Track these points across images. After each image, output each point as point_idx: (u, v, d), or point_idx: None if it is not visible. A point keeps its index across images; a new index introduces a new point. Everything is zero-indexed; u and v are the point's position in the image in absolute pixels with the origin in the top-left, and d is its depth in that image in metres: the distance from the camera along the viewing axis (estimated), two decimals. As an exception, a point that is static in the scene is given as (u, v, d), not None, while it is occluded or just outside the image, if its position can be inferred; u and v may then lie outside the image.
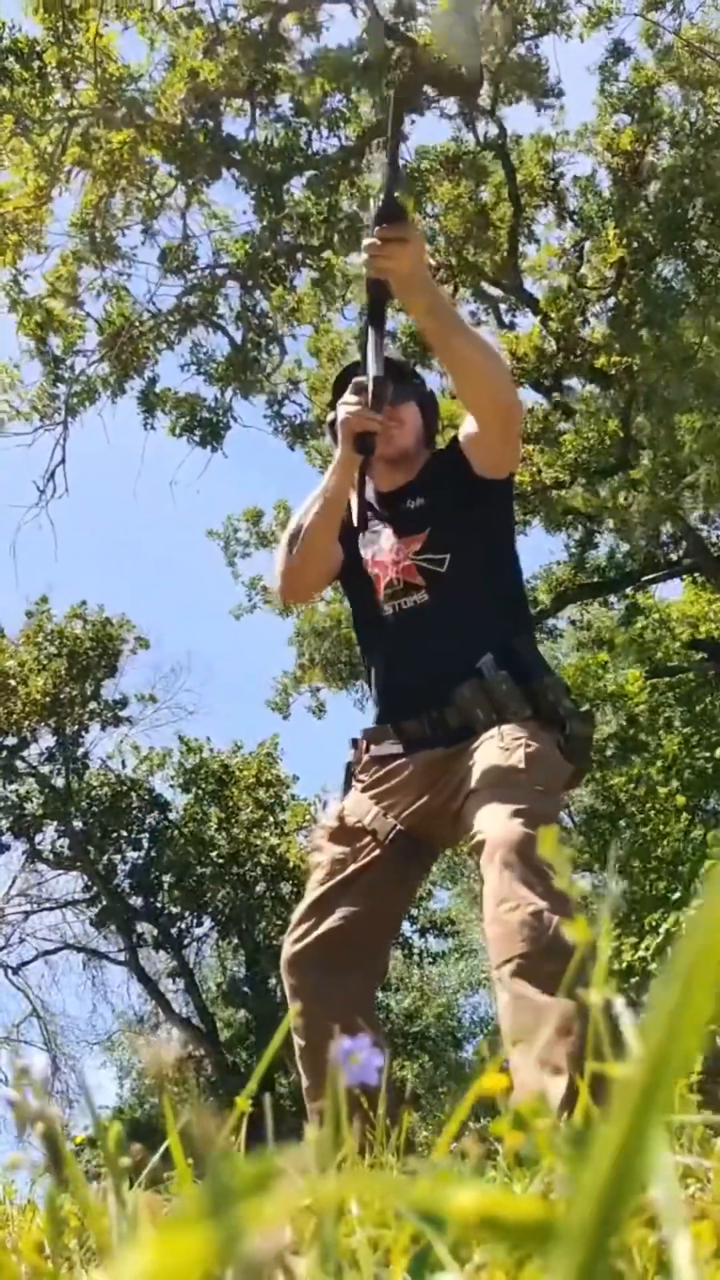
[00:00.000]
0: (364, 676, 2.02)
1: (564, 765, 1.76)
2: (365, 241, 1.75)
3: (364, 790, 1.86)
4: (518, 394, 1.98)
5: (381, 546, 1.96)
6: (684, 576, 10.75)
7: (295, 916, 1.80)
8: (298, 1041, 1.71)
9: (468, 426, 1.92)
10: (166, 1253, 0.20)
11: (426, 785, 1.80)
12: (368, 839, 1.81)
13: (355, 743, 1.94)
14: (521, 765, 1.66)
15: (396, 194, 1.79)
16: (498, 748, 1.69)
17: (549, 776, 1.70)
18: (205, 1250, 0.21)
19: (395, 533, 1.95)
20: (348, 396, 1.89)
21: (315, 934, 1.75)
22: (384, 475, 1.99)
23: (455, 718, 1.78)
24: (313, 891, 1.80)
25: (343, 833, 1.83)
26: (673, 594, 11.78)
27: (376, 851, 1.80)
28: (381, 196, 1.77)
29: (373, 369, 1.85)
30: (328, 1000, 1.66)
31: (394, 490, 2.00)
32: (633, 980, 6.91)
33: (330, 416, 2.00)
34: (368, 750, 1.90)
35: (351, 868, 1.79)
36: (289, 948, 1.77)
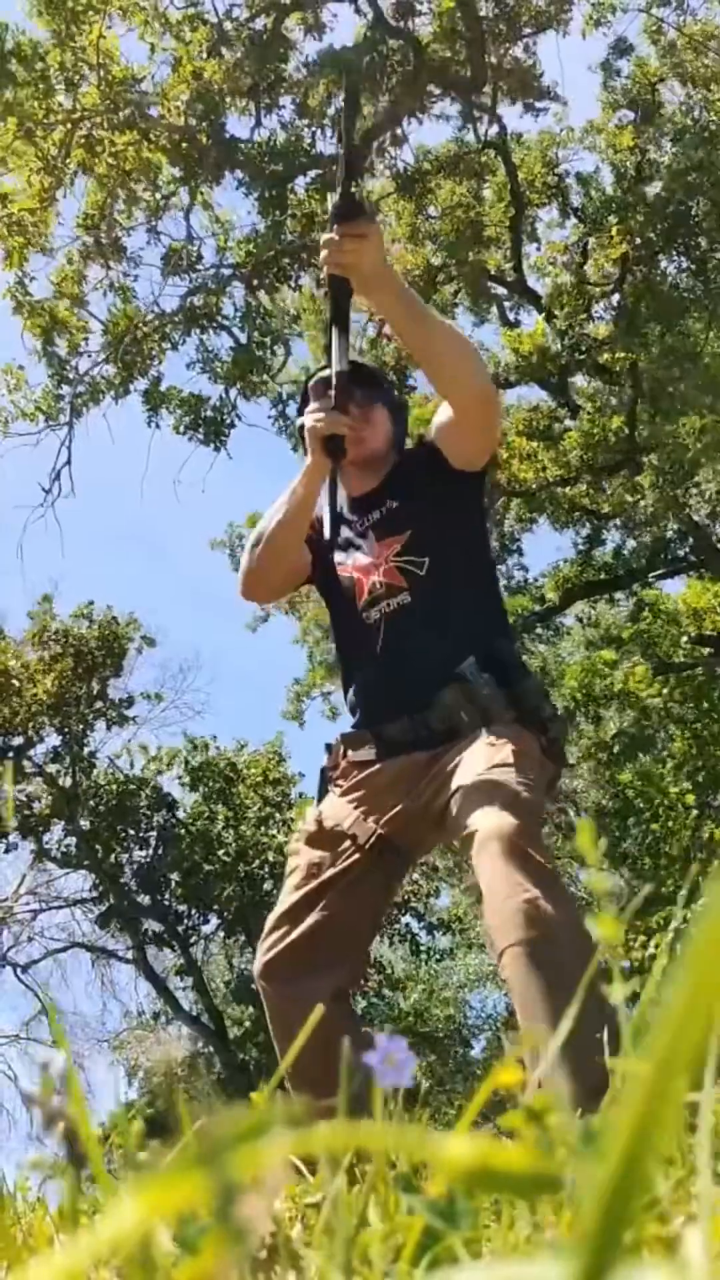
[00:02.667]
0: (342, 682, 1.99)
1: (546, 765, 1.75)
2: (324, 238, 1.73)
3: (343, 795, 1.84)
4: (491, 380, 1.95)
5: (361, 552, 1.94)
6: (691, 573, 10.73)
7: (269, 923, 1.77)
8: (277, 1048, 1.70)
9: (441, 417, 1.91)
10: (159, 1197, 0.21)
11: (407, 789, 1.78)
12: (347, 843, 1.78)
13: (330, 748, 1.92)
14: (509, 761, 1.65)
15: (353, 189, 1.76)
16: (484, 745, 1.68)
17: (534, 774, 1.68)
18: (197, 1195, 0.21)
19: (375, 537, 1.93)
20: (313, 401, 1.89)
21: (288, 940, 1.72)
22: (356, 480, 1.99)
23: (439, 721, 1.76)
24: (287, 897, 1.77)
25: (321, 837, 1.80)
26: (680, 590, 11.77)
27: (355, 856, 1.77)
28: (338, 192, 1.73)
29: (335, 367, 1.83)
30: (301, 1007, 1.62)
31: (367, 493, 1.99)
32: (642, 977, 6.89)
33: (299, 423, 1.99)
34: (345, 755, 1.87)
35: (329, 872, 1.76)
36: (262, 954, 1.74)
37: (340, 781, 1.86)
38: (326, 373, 1.89)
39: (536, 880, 1.46)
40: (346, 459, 1.88)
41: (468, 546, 1.94)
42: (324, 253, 1.73)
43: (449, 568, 1.88)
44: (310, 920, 1.73)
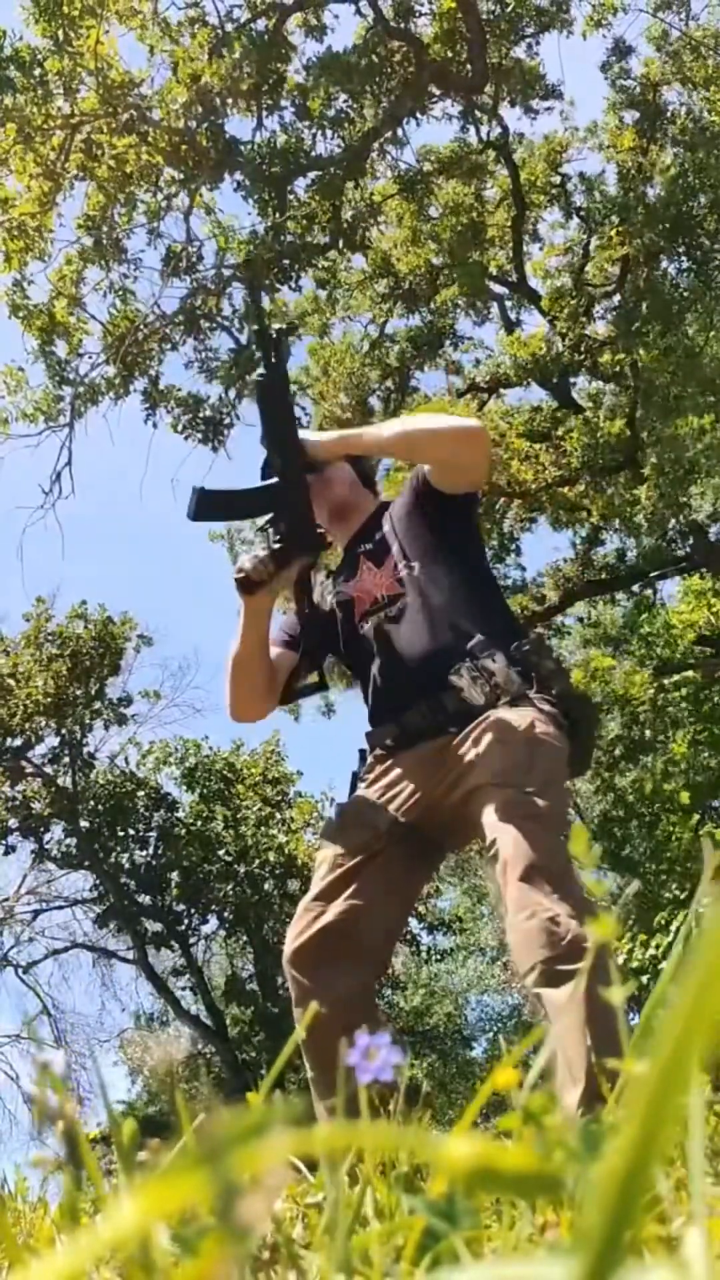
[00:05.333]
0: (361, 694, 2.03)
1: (564, 745, 1.75)
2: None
3: (368, 787, 1.88)
4: (468, 438, 1.99)
5: (353, 582, 2.01)
6: (691, 573, 10.73)
7: (299, 911, 1.81)
8: (301, 1037, 1.72)
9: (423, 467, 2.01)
10: (159, 1196, 0.21)
11: (425, 777, 1.81)
12: (371, 834, 1.82)
13: (363, 754, 1.96)
14: (525, 760, 1.67)
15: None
16: (497, 742, 1.69)
17: (552, 764, 1.70)
18: (198, 1194, 0.21)
19: (369, 563, 2.00)
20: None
21: (315, 928, 1.76)
22: (337, 530, 2.09)
23: (453, 702, 1.79)
24: (316, 886, 1.81)
25: (346, 828, 1.85)
26: (681, 591, 11.76)
27: (380, 845, 1.81)
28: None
29: (215, 490, 1.94)
30: (328, 995, 1.65)
31: (353, 536, 2.08)
32: (646, 980, 6.90)
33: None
34: (372, 752, 1.92)
35: (354, 861, 1.80)
36: (291, 943, 1.78)
37: (366, 776, 1.91)
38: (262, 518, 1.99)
39: (556, 897, 1.50)
40: (323, 518, 2.01)
41: (460, 551, 1.99)
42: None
43: (440, 563, 1.93)
44: (337, 909, 1.76)
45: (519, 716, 1.71)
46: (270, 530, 1.92)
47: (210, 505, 1.93)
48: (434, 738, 1.81)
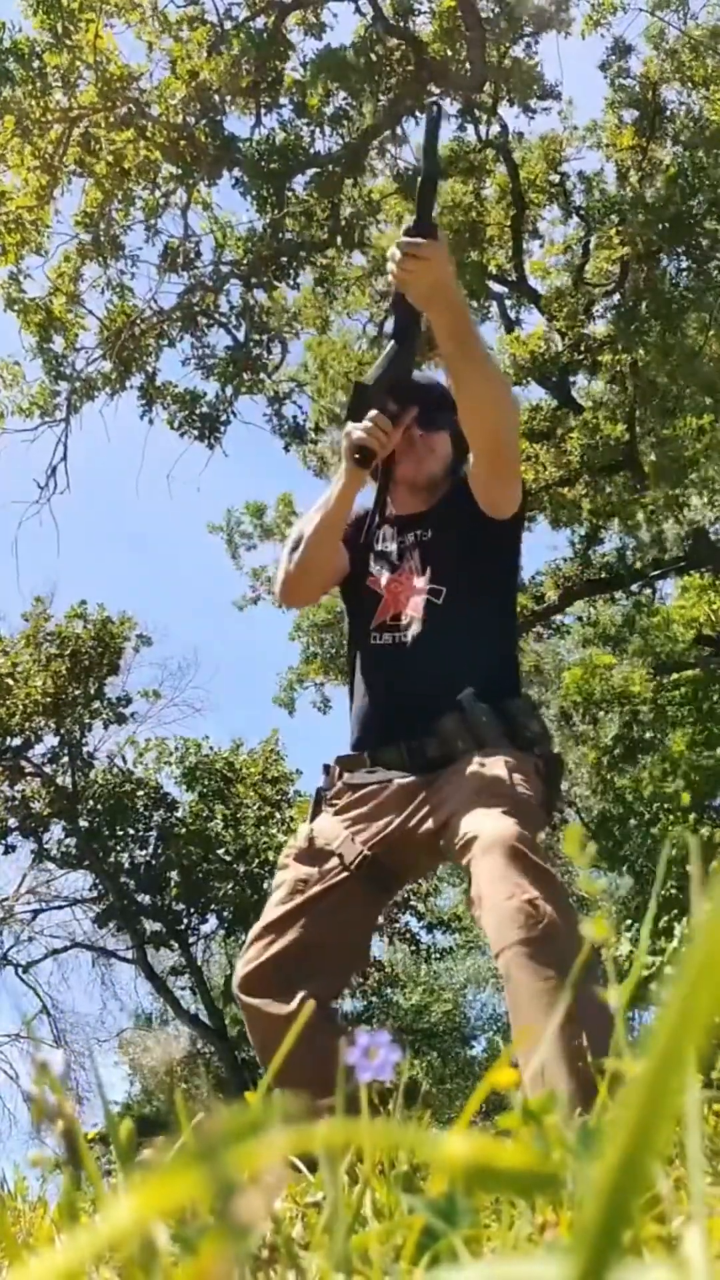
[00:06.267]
0: (349, 696, 2.00)
1: (539, 787, 1.75)
2: (389, 251, 1.76)
3: (336, 814, 1.84)
4: (517, 439, 1.96)
5: (391, 571, 1.97)
6: (690, 572, 10.73)
7: (251, 936, 1.77)
8: (259, 1059, 1.70)
9: (470, 462, 1.94)
10: (157, 1193, 0.21)
11: (398, 811, 1.78)
12: (334, 862, 1.78)
13: (328, 769, 1.93)
14: (504, 772, 1.67)
15: (429, 211, 1.79)
16: (477, 762, 1.70)
17: (531, 784, 1.70)
18: (194, 1192, 0.21)
19: (402, 561, 1.96)
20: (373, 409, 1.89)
21: (268, 955, 1.72)
22: (404, 498, 2.01)
23: (435, 748, 1.78)
24: (271, 911, 1.77)
25: (311, 854, 1.81)
26: (678, 590, 11.77)
27: (343, 875, 1.77)
28: (414, 213, 1.78)
29: (368, 375, 1.86)
30: (279, 1022, 1.62)
31: (408, 515, 2.01)
32: (644, 981, 6.90)
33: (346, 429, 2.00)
34: (340, 777, 1.88)
35: (314, 889, 1.76)
36: (241, 968, 1.73)
37: (334, 801, 1.87)
38: (374, 378, 1.89)
39: (535, 881, 1.47)
40: (402, 479, 1.93)
41: (489, 588, 1.96)
42: (389, 265, 1.77)
43: (464, 603, 1.89)
44: (291, 936, 1.73)
45: (497, 758, 1.71)
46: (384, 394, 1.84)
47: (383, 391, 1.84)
48: (407, 776, 1.80)
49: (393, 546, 2.00)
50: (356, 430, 1.84)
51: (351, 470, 1.86)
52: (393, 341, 1.88)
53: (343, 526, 1.94)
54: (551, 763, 1.83)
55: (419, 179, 1.85)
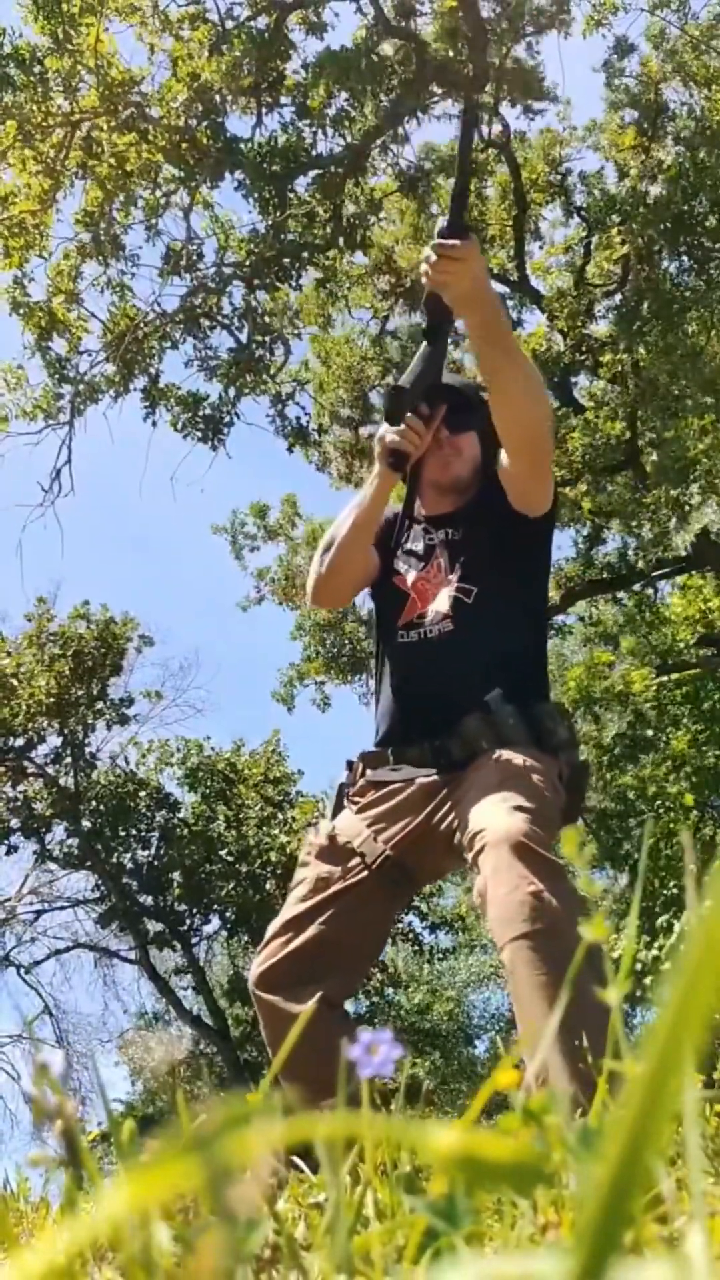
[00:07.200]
0: (374, 694, 2.00)
1: (560, 791, 1.75)
2: (424, 252, 1.77)
3: (358, 812, 1.84)
4: (551, 435, 1.96)
5: (419, 570, 1.97)
6: (692, 572, 10.73)
7: (269, 932, 1.76)
8: (271, 1055, 1.71)
9: (502, 457, 1.93)
10: (149, 1182, 0.21)
11: (420, 810, 1.78)
12: (356, 860, 1.78)
13: (351, 765, 1.93)
14: (522, 771, 1.66)
15: (462, 212, 1.79)
16: (496, 761, 1.70)
17: (547, 786, 1.69)
18: (188, 1179, 0.21)
19: (432, 559, 1.96)
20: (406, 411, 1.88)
21: (286, 951, 1.72)
22: (432, 500, 2.01)
23: (459, 749, 1.77)
24: (290, 908, 1.77)
25: (332, 851, 1.81)
26: (679, 591, 11.76)
27: (363, 874, 1.77)
28: (448, 214, 1.78)
29: (404, 378, 1.86)
30: (293, 1018, 1.62)
31: (437, 515, 2.01)
32: (645, 979, 6.90)
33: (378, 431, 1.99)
34: (363, 774, 1.88)
35: (335, 887, 1.76)
36: (259, 963, 1.74)
37: (356, 799, 1.87)
38: (407, 381, 1.88)
39: (542, 875, 1.47)
40: (429, 481, 1.93)
41: (519, 587, 1.95)
42: (422, 266, 1.77)
43: (494, 602, 1.89)
44: (310, 933, 1.72)
45: (517, 756, 1.71)
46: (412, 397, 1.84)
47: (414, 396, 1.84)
48: (431, 775, 1.80)
49: (421, 545, 2.00)
50: (391, 434, 1.85)
51: (384, 473, 1.87)
52: (425, 343, 1.87)
53: (375, 528, 1.95)
54: (577, 770, 1.82)
55: (452, 180, 1.88)
